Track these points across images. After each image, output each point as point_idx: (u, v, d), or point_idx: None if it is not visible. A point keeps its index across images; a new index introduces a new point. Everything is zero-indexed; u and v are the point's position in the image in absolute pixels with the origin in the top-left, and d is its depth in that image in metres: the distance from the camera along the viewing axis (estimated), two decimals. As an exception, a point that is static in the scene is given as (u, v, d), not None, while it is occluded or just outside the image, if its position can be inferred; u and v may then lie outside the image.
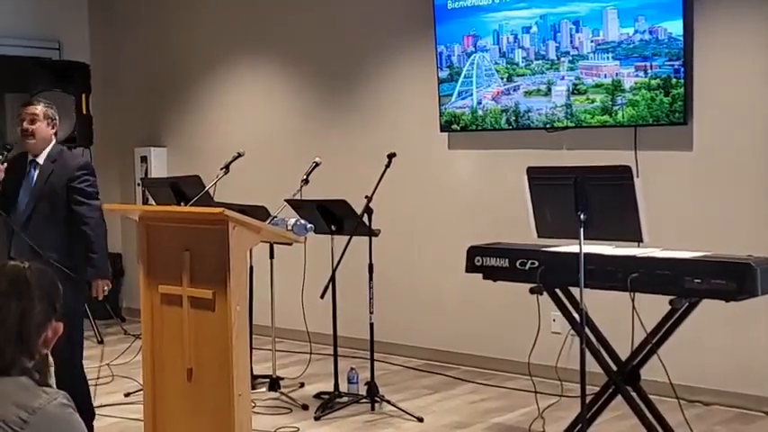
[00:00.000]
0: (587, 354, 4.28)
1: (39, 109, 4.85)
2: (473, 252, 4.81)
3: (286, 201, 5.64)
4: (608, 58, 5.78)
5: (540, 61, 6.08)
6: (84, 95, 8.04)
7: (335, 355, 5.73)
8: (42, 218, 4.73)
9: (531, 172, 4.47)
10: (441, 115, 6.57)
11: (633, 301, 4.32)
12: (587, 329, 4.34)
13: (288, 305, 6.34)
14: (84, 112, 8.02)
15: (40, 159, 4.82)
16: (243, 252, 3.85)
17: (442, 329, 6.72)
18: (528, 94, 6.15)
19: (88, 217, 4.73)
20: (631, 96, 5.69)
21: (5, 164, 4.76)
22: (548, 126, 6.09)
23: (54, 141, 4.89)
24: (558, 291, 4.61)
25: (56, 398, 2.01)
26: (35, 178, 4.79)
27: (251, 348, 5.40)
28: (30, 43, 8.50)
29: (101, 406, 5.64)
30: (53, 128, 4.89)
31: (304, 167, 5.74)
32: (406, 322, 6.85)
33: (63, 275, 4.59)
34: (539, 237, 4.50)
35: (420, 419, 5.34)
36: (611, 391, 4.59)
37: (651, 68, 5.60)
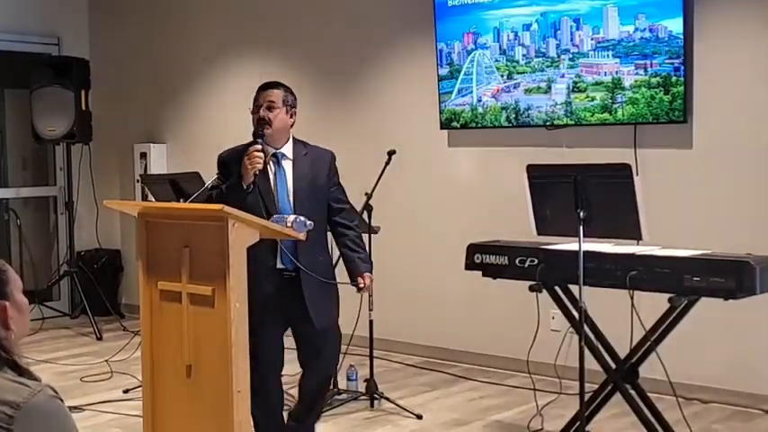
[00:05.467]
0: (586, 351, 4.28)
1: (276, 94, 4.38)
2: (472, 249, 4.81)
3: (286, 197, 5.63)
4: (608, 55, 5.78)
5: (541, 59, 6.07)
6: (83, 91, 8.03)
7: (335, 352, 5.73)
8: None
9: (531, 170, 4.47)
10: (441, 112, 6.57)
11: (632, 298, 4.32)
12: (586, 327, 4.34)
13: (287, 302, 6.33)
14: (84, 108, 8.01)
15: (287, 152, 4.33)
16: (242, 249, 3.84)
17: (441, 327, 6.73)
18: (528, 91, 6.15)
19: (354, 217, 4.55)
20: (631, 94, 5.69)
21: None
22: (548, 124, 6.09)
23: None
24: (557, 288, 4.62)
25: (40, 389, 1.97)
26: (289, 174, 4.28)
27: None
28: (29, 39, 8.51)
29: (100, 402, 5.65)
30: (292, 117, 4.39)
31: (304, 164, 5.73)
32: (406, 320, 6.85)
33: (333, 286, 4.31)
34: (538, 234, 4.50)
35: (419, 417, 5.35)
36: (609, 388, 4.59)
37: (651, 66, 5.60)
